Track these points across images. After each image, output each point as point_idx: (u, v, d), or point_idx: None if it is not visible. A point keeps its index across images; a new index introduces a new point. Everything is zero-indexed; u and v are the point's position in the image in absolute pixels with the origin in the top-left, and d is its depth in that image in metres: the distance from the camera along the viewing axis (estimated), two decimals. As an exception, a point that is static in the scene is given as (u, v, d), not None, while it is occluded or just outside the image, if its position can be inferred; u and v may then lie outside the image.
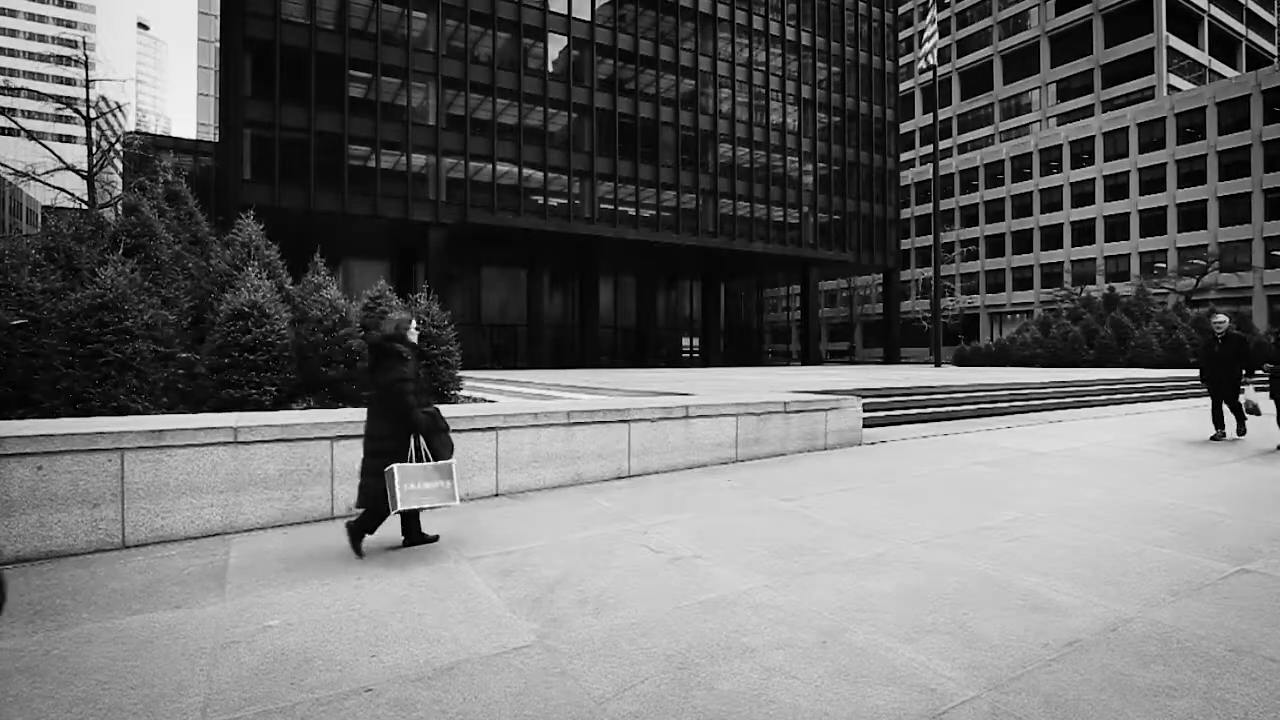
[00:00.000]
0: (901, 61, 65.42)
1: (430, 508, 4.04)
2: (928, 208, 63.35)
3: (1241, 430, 8.88)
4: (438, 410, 4.27)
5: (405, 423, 4.01)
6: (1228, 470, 6.75)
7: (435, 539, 4.31)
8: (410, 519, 4.22)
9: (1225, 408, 8.83)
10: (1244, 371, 8.57)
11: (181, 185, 12.57)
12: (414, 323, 4.21)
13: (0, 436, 3.92)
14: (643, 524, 4.77)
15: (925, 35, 23.66)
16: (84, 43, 32.15)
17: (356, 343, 8.43)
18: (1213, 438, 8.76)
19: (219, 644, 2.84)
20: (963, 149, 67.01)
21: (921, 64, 24.05)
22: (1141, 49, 53.93)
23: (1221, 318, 8.82)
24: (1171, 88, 53.27)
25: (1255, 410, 8.23)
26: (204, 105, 51.68)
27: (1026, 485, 6.11)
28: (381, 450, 4.00)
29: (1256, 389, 8.83)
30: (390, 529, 4.28)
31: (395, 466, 3.92)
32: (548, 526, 4.73)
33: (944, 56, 68.32)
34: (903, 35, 66.70)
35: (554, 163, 32.86)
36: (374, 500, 3.99)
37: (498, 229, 28.62)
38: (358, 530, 4.01)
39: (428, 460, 4.06)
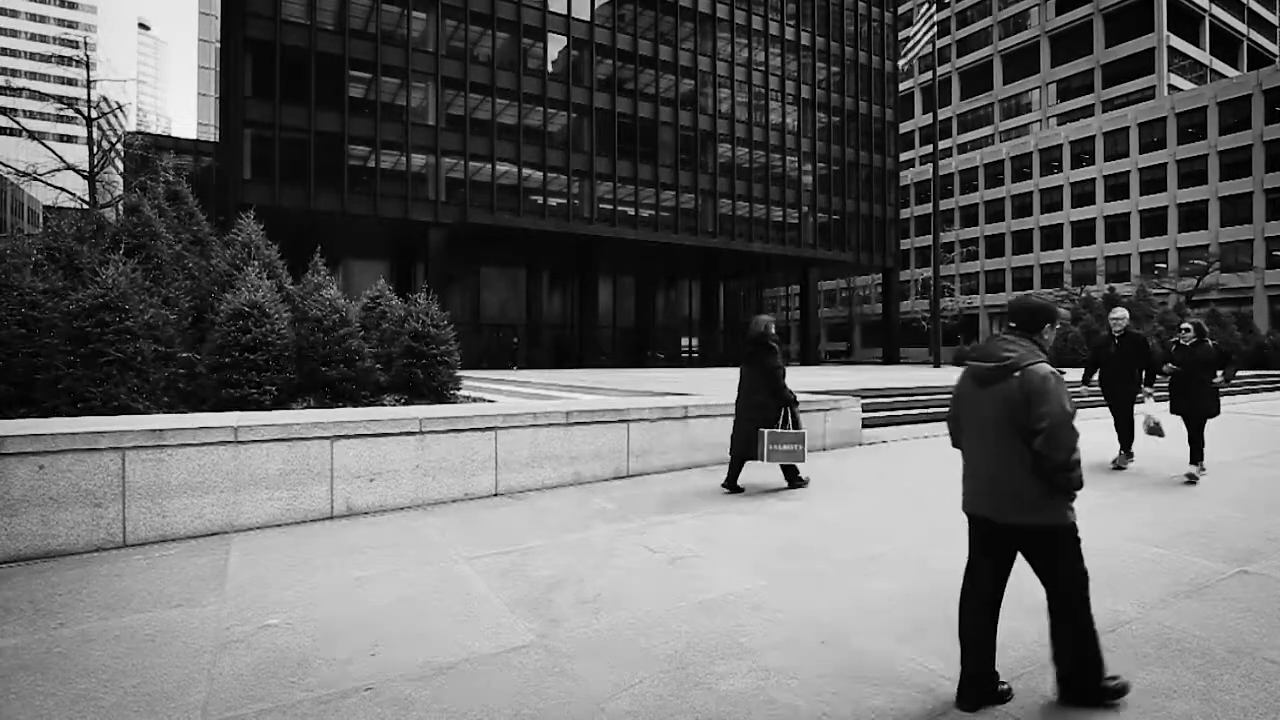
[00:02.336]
0: (901, 61, 65.38)
1: (785, 463, 5.74)
2: (927, 208, 63.35)
3: (1125, 454, 6.92)
4: (793, 391, 5.90)
5: (780, 398, 5.67)
6: (1228, 472, 6.75)
7: (807, 481, 5.99)
8: (789, 467, 5.91)
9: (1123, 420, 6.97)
10: (1144, 377, 6.77)
11: (182, 185, 12.57)
12: (773, 321, 5.92)
13: (2, 436, 3.93)
14: (642, 524, 4.78)
15: (916, 32, 23.50)
16: (85, 43, 32.16)
17: (356, 343, 8.43)
18: (1115, 465, 6.87)
19: (220, 642, 2.84)
20: (963, 149, 66.99)
21: (905, 61, 23.89)
22: (1142, 48, 53.90)
23: (1121, 312, 6.91)
24: (1172, 87, 53.24)
25: (1158, 430, 6.27)
26: (204, 105, 51.69)
27: (1026, 485, 6.09)
28: (766, 418, 5.65)
29: (1158, 399, 6.79)
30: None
31: (765, 430, 5.59)
32: (547, 526, 4.74)
33: (944, 56, 68.30)
34: (903, 35, 66.57)
35: (553, 163, 32.85)
36: (746, 449, 5.68)
37: (497, 229, 28.62)
38: (732, 474, 5.83)
39: (791, 428, 5.70)
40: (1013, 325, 2.44)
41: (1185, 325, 6.53)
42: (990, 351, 2.39)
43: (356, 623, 3.05)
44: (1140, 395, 6.79)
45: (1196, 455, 6.32)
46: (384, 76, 29.31)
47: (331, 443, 4.92)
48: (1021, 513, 2.28)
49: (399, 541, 4.34)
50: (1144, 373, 6.76)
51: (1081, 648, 2.29)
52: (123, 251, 8.59)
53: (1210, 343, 6.44)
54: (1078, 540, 2.31)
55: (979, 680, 2.34)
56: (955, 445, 2.61)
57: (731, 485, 5.77)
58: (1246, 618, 3.10)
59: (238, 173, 26.94)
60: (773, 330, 5.81)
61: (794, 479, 5.96)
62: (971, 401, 2.44)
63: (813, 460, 7.42)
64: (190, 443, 4.42)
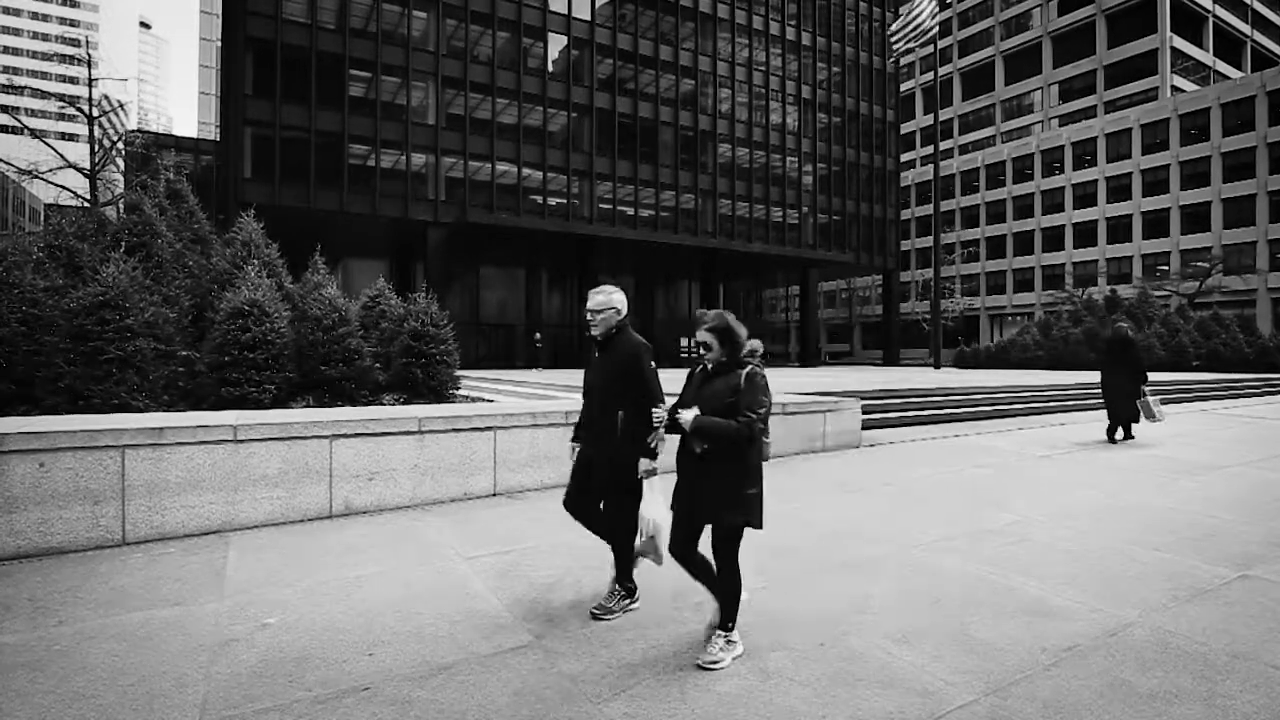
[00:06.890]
0: (903, 61, 65.30)
1: (1157, 420, 8.89)
2: (928, 209, 63.29)
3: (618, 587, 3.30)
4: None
5: (1142, 380, 8.83)
6: (1228, 474, 6.75)
7: (1133, 437, 9.18)
8: (1128, 428, 9.11)
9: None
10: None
11: (183, 183, 12.58)
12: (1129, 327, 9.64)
13: (3, 433, 3.92)
14: (642, 524, 4.76)
15: (912, 20, 22.85)
16: (87, 42, 32.18)
17: (355, 342, 8.43)
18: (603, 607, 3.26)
19: (218, 641, 2.84)
20: (964, 150, 66.94)
21: (902, 45, 23.28)
22: (1145, 49, 53.85)
23: (605, 295, 3.27)
24: (1175, 89, 53.18)
25: (651, 553, 3.24)
26: (205, 104, 51.69)
27: (1026, 488, 6.10)
28: (1132, 394, 8.83)
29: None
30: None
31: (1150, 400, 8.71)
32: (545, 526, 4.73)
33: (946, 57, 68.25)
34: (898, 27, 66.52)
35: (553, 162, 32.85)
36: (1132, 414, 8.91)
37: (497, 228, 28.62)
38: (1111, 431, 9.05)
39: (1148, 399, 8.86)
40: None
41: (701, 333, 2.95)
42: None
43: (355, 622, 3.05)
44: (644, 468, 3.37)
45: (726, 616, 2.76)
46: (384, 76, 29.32)
47: (330, 442, 4.91)
48: None
49: (397, 541, 4.34)
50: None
51: None
52: (123, 250, 8.59)
53: (750, 367, 2.88)
54: None
55: None
56: None
57: (1110, 438, 8.96)
58: (1248, 622, 3.09)
59: (238, 171, 26.96)
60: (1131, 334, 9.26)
61: (1129, 433, 9.12)
62: None
63: (813, 461, 7.42)
64: (189, 441, 4.42)
